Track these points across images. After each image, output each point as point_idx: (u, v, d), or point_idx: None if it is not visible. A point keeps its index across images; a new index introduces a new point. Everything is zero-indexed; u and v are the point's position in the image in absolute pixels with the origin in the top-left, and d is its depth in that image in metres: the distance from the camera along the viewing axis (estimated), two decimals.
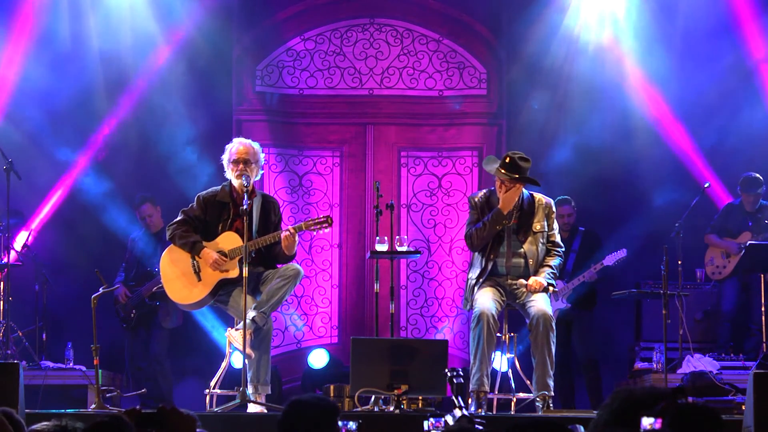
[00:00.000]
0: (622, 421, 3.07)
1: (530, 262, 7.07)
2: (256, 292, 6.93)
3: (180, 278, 6.99)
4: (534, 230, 7.09)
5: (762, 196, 9.25)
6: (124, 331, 9.17)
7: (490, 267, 7.06)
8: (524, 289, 6.99)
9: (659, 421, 2.99)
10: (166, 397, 8.85)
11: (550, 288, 7.04)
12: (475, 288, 7.05)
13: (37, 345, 8.93)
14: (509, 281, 7.07)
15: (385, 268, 8.65)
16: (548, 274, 7.04)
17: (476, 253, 7.17)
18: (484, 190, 7.31)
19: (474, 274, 7.12)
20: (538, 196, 7.19)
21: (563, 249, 7.29)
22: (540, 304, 6.92)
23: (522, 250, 7.07)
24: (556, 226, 7.25)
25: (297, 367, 9.72)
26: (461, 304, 9.85)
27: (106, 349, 9.02)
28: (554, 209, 7.24)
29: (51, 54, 9.55)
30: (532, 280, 6.98)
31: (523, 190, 7.14)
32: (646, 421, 3.00)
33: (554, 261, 7.13)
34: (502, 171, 6.98)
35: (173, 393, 9.13)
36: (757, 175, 9.23)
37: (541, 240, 7.11)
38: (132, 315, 9.06)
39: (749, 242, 8.95)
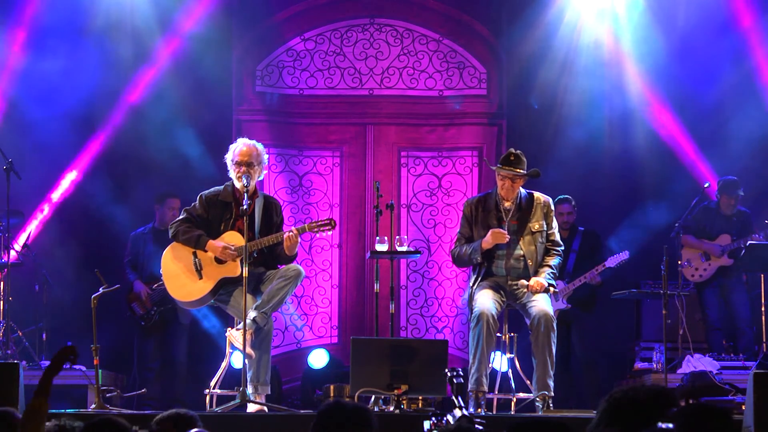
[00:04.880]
0: (616, 422, 3.08)
1: (529, 262, 7.08)
2: (256, 292, 6.94)
3: (181, 275, 7.00)
4: (532, 230, 7.09)
5: (740, 199, 9.26)
6: (140, 329, 9.08)
7: (489, 269, 7.07)
8: (525, 290, 6.99)
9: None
10: (179, 398, 8.77)
11: (551, 288, 7.04)
12: (475, 289, 7.04)
13: (37, 345, 8.93)
14: (509, 282, 7.08)
15: (385, 268, 8.65)
16: (548, 274, 7.05)
17: None
18: (479, 195, 7.34)
19: (472, 280, 7.14)
20: (536, 194, 7.20)
21: (563, 248, 7.29)
22: (541, 304, 6.93)
23: (521, 251, 7.08)
24: (555, 224, 7.24)
25: (297, 367, 9.71)
26: (461, 304, 9.88)
27: (114, 349, 9.03)
28: (553, 208, 7.24)
29: (50, 53, 9.54)
30: (533, 280, 6.99)
31: (521, 189, 7.15)
32: (663, 426, 3.01)
33: (554, 261, 7.13)
34: (505, 167, 7.01)
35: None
36: (736, 178, 9.24)
37: (540, 239, 7.12)
38: (152, 312, 9.00)
39: (750, 242, 8.95)
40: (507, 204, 7.12)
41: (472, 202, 7.25)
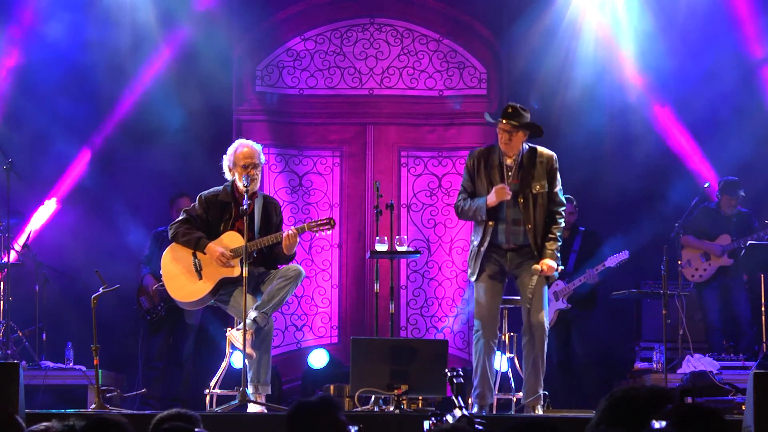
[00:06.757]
0: (617, 422, 3.08)
1: (528, 226, 6.82)
2: (256, 292, 6.94)
3: (181, 276, 7.00)
4: (533, 191, 6.84)
5: (741, 200, 9.27)
6: (147, 326, 9.07)
7: (490, 235, 6.82)
8: (537, 273, 6.80)
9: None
10: (180, 398, 8.76)
11: (559, 268, 6.90)
12: (477, 260, 6.83)
13: (37, 345, 8.93)
14: (509, 257, 6.88)
15: (385, 268, 8.65)
16: (556, 251, 6.83)
17: None
18: (482, 148, 7.08)
19: (476, 240, 6.90)
20: (539, 149, 6.95)
21: (565, 207, 7.02)
22: (538, 312, 6.79)
23: (521, 216, 6.83)
24: (558, 182, 6.95)
25: (297, 367, 9.72)
26: (461, 304, 9.91)
27: (119, 349, 9.03)
28: (556, 164, 6.94)
29: (49, 52, 9.54)
30: (544, 264, 6.78)
31: (524, 145, 6.91)
32: (657, 424, 3.01)
33: (558, 230, 6.87)
34: (503, 120, 6.82)
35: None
36: (737, 179, 9.26)
37: (541, 201, 6.85)
38: (159, 308, 8.99)
39: (749, 242, 8.96)
40: (509, 161, 6.88)
41: (474, 155, 7.01)
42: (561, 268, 6.95)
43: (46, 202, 9.66)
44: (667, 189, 9.78)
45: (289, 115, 10.16)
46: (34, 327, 9.01)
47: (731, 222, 9.31)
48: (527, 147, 6.94)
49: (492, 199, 6.78)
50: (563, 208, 6.96)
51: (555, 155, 6.99)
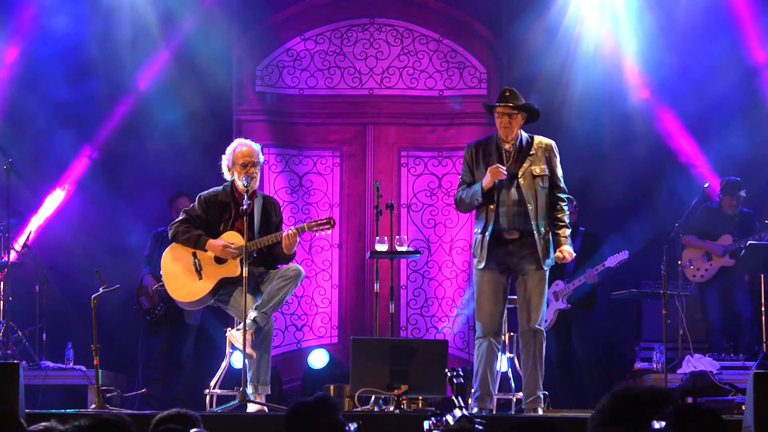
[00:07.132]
0: (618, 421, 3.08)
1: (529, 207, 6.76)
2: (256, 292, 6.94)
3: (181, 276, 7.01)
4: (534, 173, 6.81)
5: (742, 200, 9.27)
6: (146, 326, 9.08)
7: (493, 220, 6.78)
8: (560, 255, 6.79)
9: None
10: (179, 398, 8.76)
11: (573, 254, 6.92)
12: (483, 247, 6.77)
13: (37, 345, 8.93)
14: (510, 251, 6.83)
15: (385, 268, 8.65)
16: (568, 237, 6.85)
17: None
18: (479, 139, 7.10)
19: (479, 228, 6.87)
20: (538, 138, 6.95)
21: (567, 194, 7.00)
22: (536, 314, 6.78)
23: (522, 197, 6.79)
24: (559, 169, 6.93)
25: (297, 367, 9.72)
26: (461, 304, 9.91)
27: (118, 348, 9.03)
28: (556, 151, 6.93)
29: (49, 52, 9.54)
30: (565, 251, 6.78)
31: (522, 132, 6.92)
32: (657, 425, 3.01)
33: (565, 215, 6.87)
34: (500, 104, 6.84)
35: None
36: (738, 179, 9.25)
37: (542, 184, 6.82)
38: (158, 308, 8.99)
39: (749, 242, 8.97)
40: (507, 146, 6.86)
41: (471, 146, 7.01)
42: (574, 254, 6.96)
43: (54, 192, 9.66)
44: (667, 189, 9.79)
45: (289, 115, 10.16)
46: (34, 327, 9.02)
47: (733, 222, 9.32)
48: (526, 135, 6.94)
49: (487, 179, 6.76)
50: (566, 195, 6.95)
51: (554, 142, 6.99)
